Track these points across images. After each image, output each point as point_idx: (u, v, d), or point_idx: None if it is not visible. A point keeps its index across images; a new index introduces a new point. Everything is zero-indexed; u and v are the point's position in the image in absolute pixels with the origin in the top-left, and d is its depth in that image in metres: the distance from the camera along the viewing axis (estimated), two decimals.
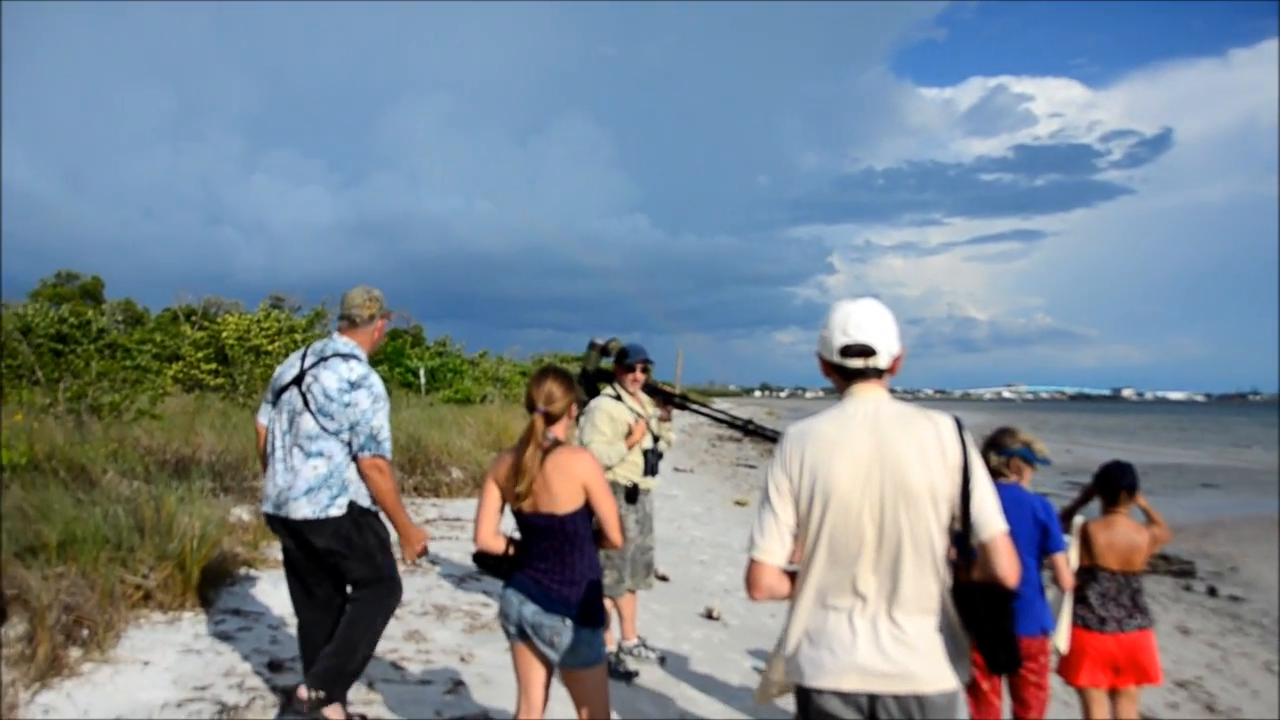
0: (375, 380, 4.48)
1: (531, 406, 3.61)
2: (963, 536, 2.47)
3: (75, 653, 5.00)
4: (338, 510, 4.39)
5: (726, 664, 6.51)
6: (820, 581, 2.53)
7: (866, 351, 2.59)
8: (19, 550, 5.40)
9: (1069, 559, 4.66)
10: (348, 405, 4.38)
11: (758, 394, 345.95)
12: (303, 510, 4.36)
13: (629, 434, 5.89)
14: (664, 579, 8.68)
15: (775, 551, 2.56)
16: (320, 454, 4.40)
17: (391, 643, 5.94)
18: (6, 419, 9.06)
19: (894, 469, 2.46)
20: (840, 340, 2.62)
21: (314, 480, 4.38)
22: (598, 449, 5.73)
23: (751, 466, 27.41)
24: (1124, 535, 4.89)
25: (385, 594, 4.57)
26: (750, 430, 6.12)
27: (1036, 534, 4.45)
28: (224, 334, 20.57)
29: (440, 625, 6.51)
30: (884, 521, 2.46)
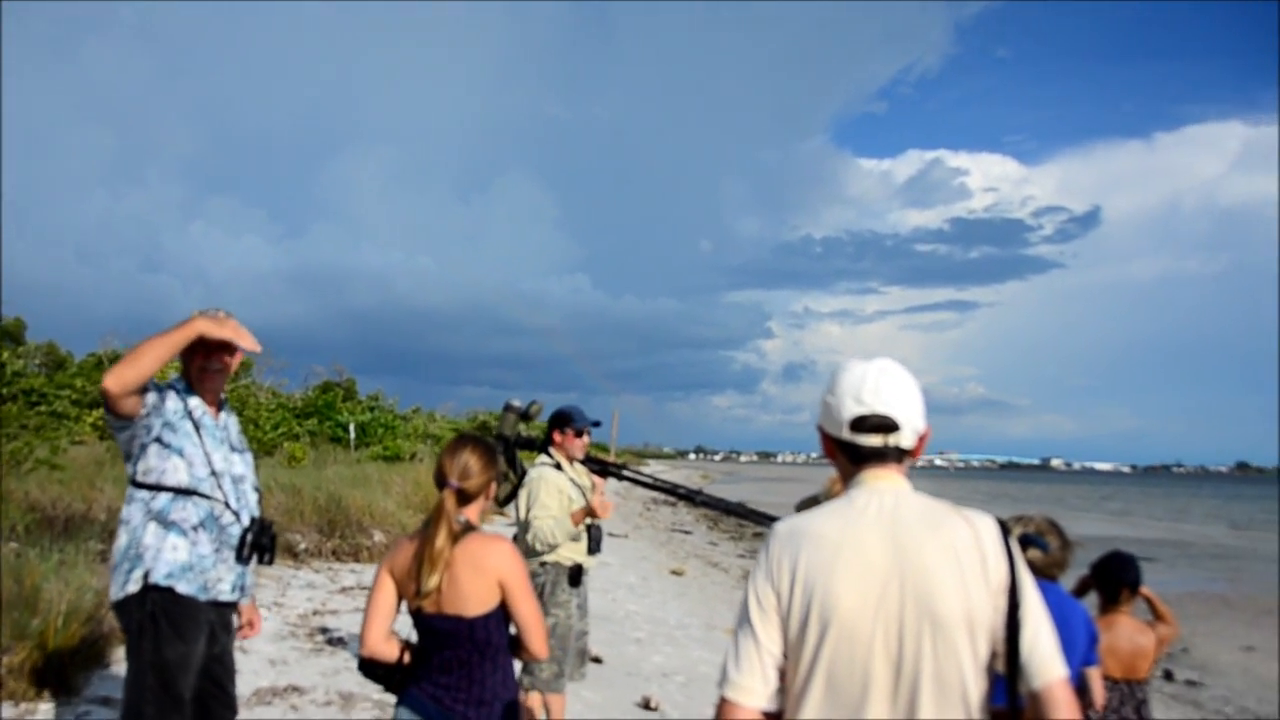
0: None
1: (442, 481, 2.95)
2: (1008, 680, 1.84)
3: None
4: (134, 586, 3.38)
5: None
6: None
7: (887, 426, 1.96)
8: None
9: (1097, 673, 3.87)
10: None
11: (692, 456, 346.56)
12: (112, 593, 3.48)
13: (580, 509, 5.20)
14: (596, 660, 7.99)
15: (755, 690, 1.88)
16: (124, 522, 3.48)
17: None
18: None
19: (918, 586, 1.84)
20: (852, 410, 1.98)
21: (118, 555, 3.46)
22: (545, 527, 5.02)
23: (687, 532, 26.76)
24: (1127, 638, 4.30)
25: None
26: (699, 501, 5.45)
27: (1086, 650, 3.65)
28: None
29: (345, 718, 5.75)
30: (902, 656, 1.82)
